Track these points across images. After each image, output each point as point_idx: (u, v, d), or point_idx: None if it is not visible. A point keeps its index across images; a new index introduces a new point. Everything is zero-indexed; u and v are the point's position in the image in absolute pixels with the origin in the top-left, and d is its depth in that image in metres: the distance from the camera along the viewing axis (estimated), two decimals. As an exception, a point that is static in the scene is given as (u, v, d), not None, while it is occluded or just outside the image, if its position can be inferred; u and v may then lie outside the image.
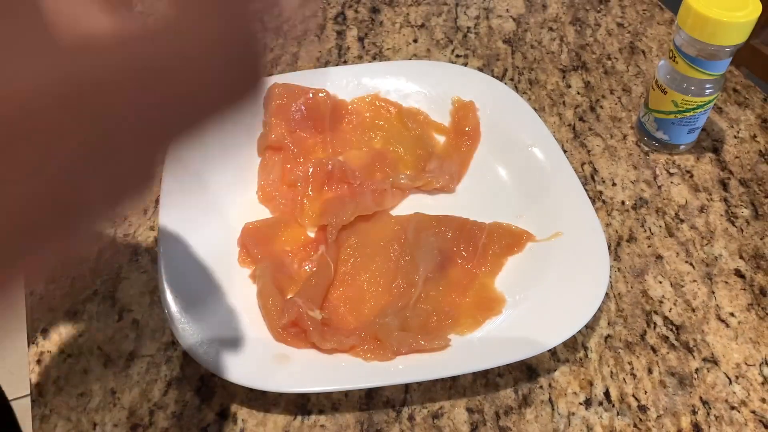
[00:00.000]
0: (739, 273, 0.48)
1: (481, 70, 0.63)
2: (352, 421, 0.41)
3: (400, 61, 0.63)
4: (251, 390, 0.42)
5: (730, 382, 0.43)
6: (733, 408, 0.41)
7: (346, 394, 0.42)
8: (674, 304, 0.46)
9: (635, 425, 0.41)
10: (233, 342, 0.41)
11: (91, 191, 0.15)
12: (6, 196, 0.13)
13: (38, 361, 0.43)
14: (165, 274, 0.43)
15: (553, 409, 0.41)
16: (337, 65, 0.64)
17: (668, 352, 0.44)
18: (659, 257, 0.49)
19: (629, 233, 0.51)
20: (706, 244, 0.50)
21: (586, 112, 0.60)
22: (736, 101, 0.61)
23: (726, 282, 0.48)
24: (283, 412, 0.41)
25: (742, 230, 0.51)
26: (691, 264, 0.49)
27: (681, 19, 0.49)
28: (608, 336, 0.45)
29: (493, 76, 0.62)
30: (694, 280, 0.48)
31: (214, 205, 0.49)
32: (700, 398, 0.42)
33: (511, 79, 0.63)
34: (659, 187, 0.54)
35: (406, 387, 0.42)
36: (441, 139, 0.56)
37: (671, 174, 0.55)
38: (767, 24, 1.07)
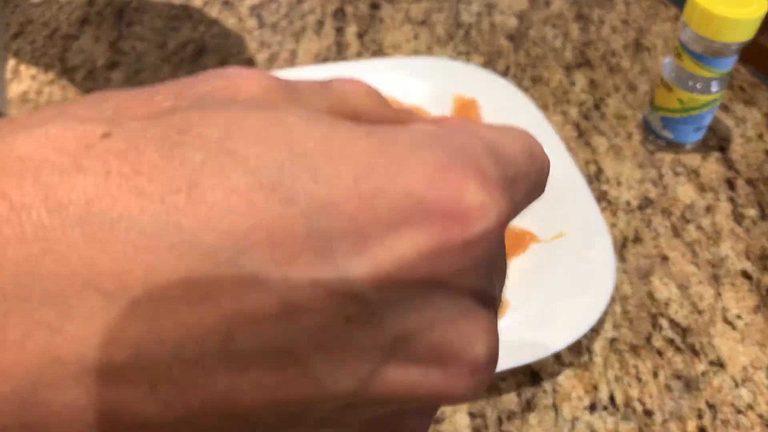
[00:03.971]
0: (745, 274, 0.48)
1: (483, 67, 0.63)
2: (352, 426, 0.40)
3: (400, 57, 0.62)
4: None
5: (737, 386, 0.42)
6: (739, 412, 0.41)
7: (346, 397, 0.41)
8: (680, 306, 0.46)
9: (640, 430, 0.40)
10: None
11: None
12: None
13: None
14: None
15: (557, 414, 0.40)
16: (336, 62, 0.63)
17: (674, 356, 0.43)
18: (665, 258, 0.48)
19: (635, 234, 0.50)
20: (713, 245, 0.49)
21: (591, 110, 0.59)
22: (742, 99, 0.60)
23: (733, 284, 0.47)
24: (281, 417, 0.40)
25: (748, 231, 0.50)
26: (697, 265, 0.48)
27: (686, 16, 0.48)
28: (613, 339, 0.44)
29: (495, 74, 0.61)
30: (701, 282, 0.47)
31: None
32: (707, 402, 0.41)
33: (515, 77, 0.62)
34: (665, 186, 0.53)
35: (407, 391, 0.42)
36: (443, 137, 0.55)
37: (677, 173, 0.54)
38: (772, 20, 1.06)
